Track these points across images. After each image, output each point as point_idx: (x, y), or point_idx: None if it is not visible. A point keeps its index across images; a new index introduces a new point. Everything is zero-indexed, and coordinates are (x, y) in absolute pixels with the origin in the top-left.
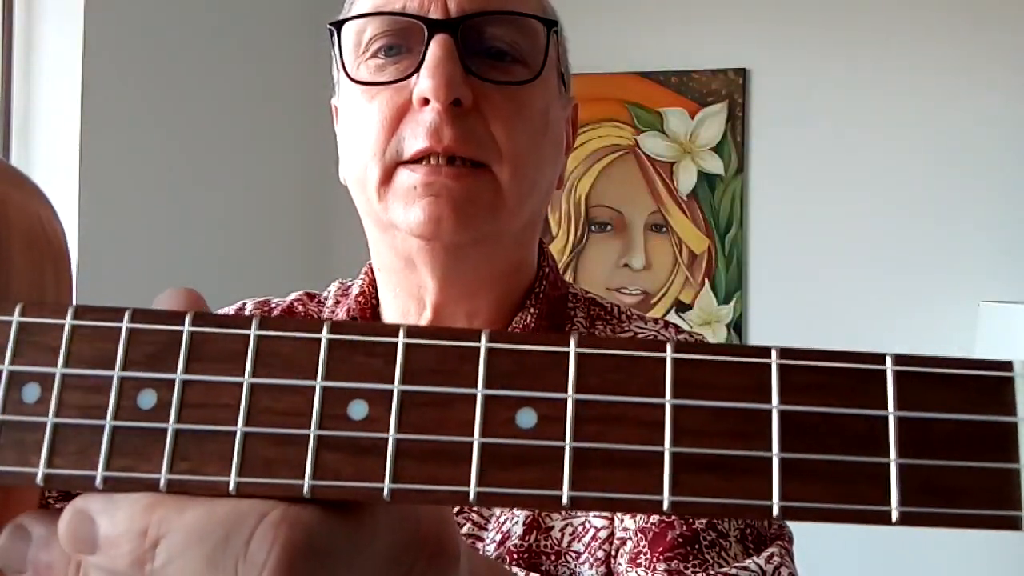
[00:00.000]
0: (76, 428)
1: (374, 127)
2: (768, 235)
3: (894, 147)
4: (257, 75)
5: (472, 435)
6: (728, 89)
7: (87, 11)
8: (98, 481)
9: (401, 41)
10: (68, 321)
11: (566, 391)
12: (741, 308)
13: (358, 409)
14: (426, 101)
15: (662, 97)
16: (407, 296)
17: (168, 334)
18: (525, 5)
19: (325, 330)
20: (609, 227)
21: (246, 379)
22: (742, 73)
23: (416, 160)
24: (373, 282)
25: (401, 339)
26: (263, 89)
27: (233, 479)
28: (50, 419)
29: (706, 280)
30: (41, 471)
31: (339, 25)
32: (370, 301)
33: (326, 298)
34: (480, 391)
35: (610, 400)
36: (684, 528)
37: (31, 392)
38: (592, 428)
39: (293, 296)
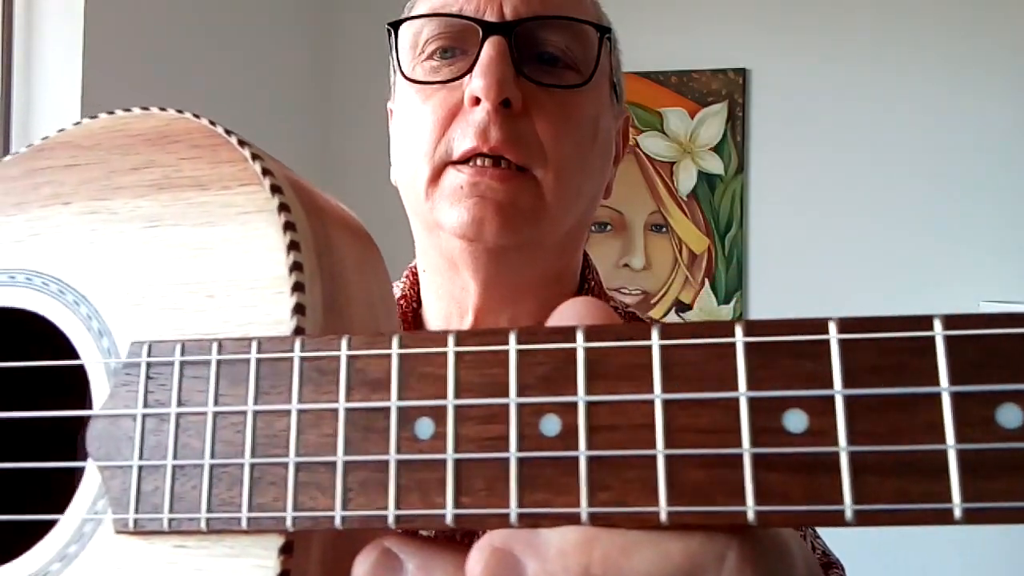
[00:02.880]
0: (479, 463)
1: (426, 127)
2: (768, 235)
3: (894, 147)
4: (258, 76)
5: (944, 441)
6: (728, 89)
7: (87, 11)
8: (513, 518)
9: (457, 44)
10: (451, 348)
11: None
12: (741, 308)
13: (795, 420)
14: (477, 101)
15: (662, 97)
16: (449, 299)
17: (560, 352)
18: (580, 11)
19: (739, 333)
20: (609, 227)
21: (657, 395)
22: (742, 73)
23: (464, 160)
24: (414, 285)
25: (833, 335)
26: (264, 88)
27: (664, 508)
28: (450, 455)
29: (706, 280)
30: (450, 512)
31: (396, 26)
32: (411, 304)
33: None
34: (947, 388)
35: None
36: None
37: (424, 428)
38: None
39: None
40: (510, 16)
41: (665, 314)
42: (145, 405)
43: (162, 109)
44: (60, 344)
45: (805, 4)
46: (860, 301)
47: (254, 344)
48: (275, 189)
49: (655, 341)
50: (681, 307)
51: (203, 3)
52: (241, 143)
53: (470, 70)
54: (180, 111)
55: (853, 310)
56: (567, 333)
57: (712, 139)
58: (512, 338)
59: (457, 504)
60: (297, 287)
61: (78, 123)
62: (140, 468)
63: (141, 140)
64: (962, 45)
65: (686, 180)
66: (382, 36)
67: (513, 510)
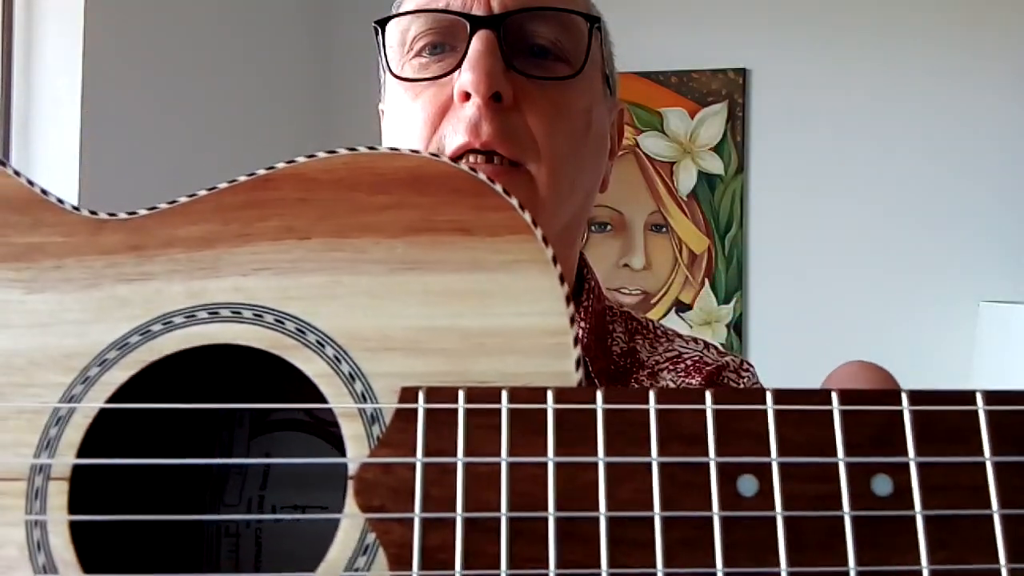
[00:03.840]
0: (811, 521)
1: (417, 125)
2: (768, 235)
3: (894, 147)
4: (257, 76)
5: None
6: (728, 89)
7: (87, 11)
8: None
9: (445, 39)
10: (770, 406)
11: None
12: (741, 308)
13: None
14: (467, 96)
15: (662, 97)
16: None
17: (885, 414)
18: (568, 1)
19: None
20: (609, 227)
21: (988, 458)
22: (742, 73)
23: (456, 158)
24: None
25: None
26: (264, 89)
27: (1005, 566)
28: (779, 512)
29: (706, 280)
30: (785, 570)
31: (383, 23)
32: None
33: None
34: None
35: None
36: None
37: (748, 485)
38: None
39: None
40: (498, 9)
41: (665, 314)
42: (425, 454)
43: (413, 151)
44: (271, 381)
45: (805, 4)
46: (860, 301)
47: (549, 394)
48: (545, 240)
49: (980, 406)
50: (681, 307)
51: (203, 3)
52: (505, 192)
53: (459, 65)
54: (435, 154)
55: (853, 310)
56: (891, 396)
57: (712, 139)
58: (835, 399)
59: (791, 562)
60: (577, 340)
61: (311, 156)
62: (423, 520)
63: (392, 180)
64: (962, 45)
65: (686, 180)
66: None
67: (852, 568)
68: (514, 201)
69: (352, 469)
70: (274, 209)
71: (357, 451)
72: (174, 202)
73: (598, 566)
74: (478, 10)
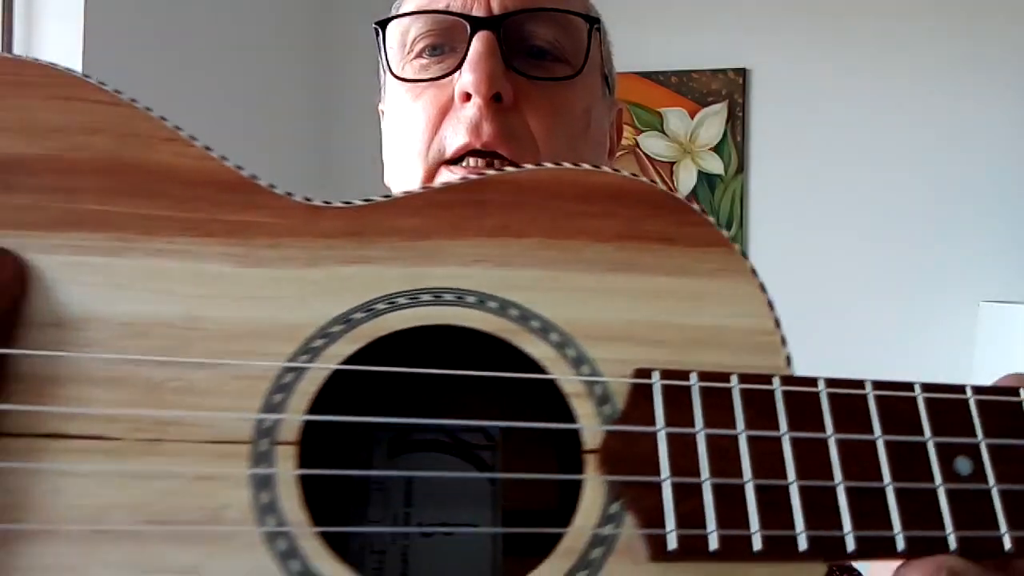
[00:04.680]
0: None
1: (418, 126)
2: (768, 235)
3: (894, 147)
4: (258, 77)
5: None
6: (728, 89)
7: (87, 11)
8: None
9: (445, 40)
10: (971, 397)
11: None
12: None
13: None
14: (468, 96)
15: (662, 97)
16: None
17: None
18: (568, 2)
19: None
20: None
21: None
22: (742, 73)
23: (457, 160)
24: None
25: None
26: (264, 89)
27: None
28: (994, 486)
29: None
30: (1008, 535)
31: (384, 24)
32: None
33: None
34: None
35: None
36: None
37: (963, 465)
38: None
39: None
40: (497, 10)
41: None
42: (667, 425)
43: (615, 170)
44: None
45: (805, 4)
46: (860, 300)
47: (775, 379)
48: (743, 254)
49: None
50: None
51: (203, 3)
52: (702, 210)
53: (459, 66)
54: (634, 174)
55: (854, 309)
56: None
57: (712, 139)
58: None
59: (1012, 526)
60: (783, 341)
61: (519, 168)
62: (673, 485)
63: (596, 192)
64: (963, 45)
65: (686, 180)
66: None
67: None
68: (711, 219)
69: (592, 443)
70: (488, 209)
71: (591, 430)
72: (388, 196)
73: (842, 530)
74: (478, 11)
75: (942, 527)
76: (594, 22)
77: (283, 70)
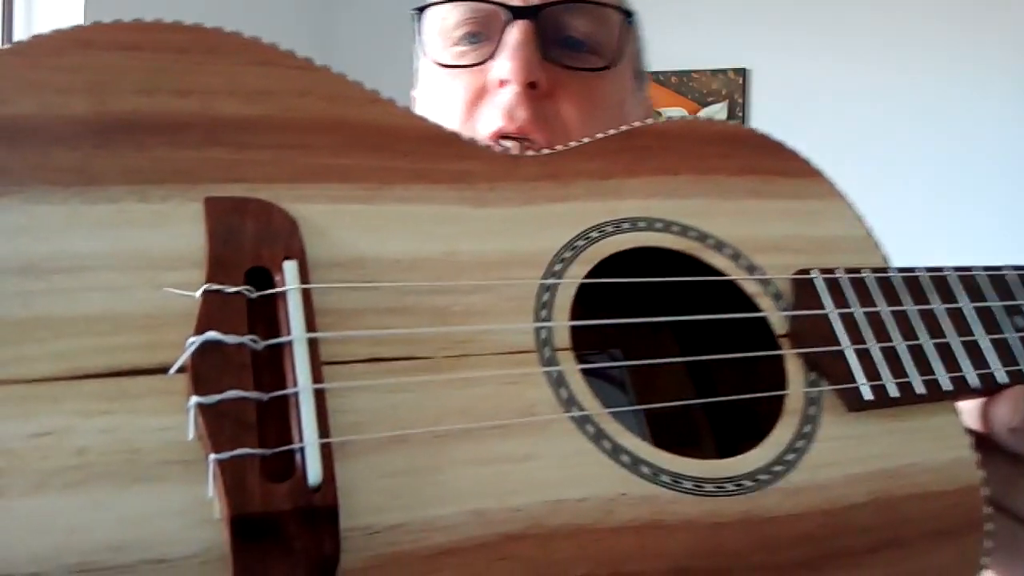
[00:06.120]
0: None
1: (452, 111)
2: None
3: (894, 147)
4: None
5: None
6: (728, 89)
7: (87, 11)
8: None
9: (482, 28)
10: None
11: None
12: None
13: None
14: (503, 83)
15: (662, 97)
16: None
17: None
18: None
19: None
20: None
21: None
22: (742, 73)
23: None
24: None
25: None
26: None
27: None
28: None
29: None
30: None
31: (422, 10)
32: None
33: None
34: None
35: None
36: None
37: (1020, 321)
38: None
39: None
40: (536, 0)
41: None
42: (835, 308)
43: (723, 121)
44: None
45: (805, 4)
46: None
47: (892, 269)
48: (831, 182)
49: None
50: None
51: (202, 3)
52: (793, 149)
53: (495, 54)
54: (738, 123)
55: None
56: None
57: None
58: None
59: None
60: (877, 244)
61: (659, 118)
62: (854, 351)
63: (718, 137)
64: (962, 44)
65: None
66: (380, 32)
67: None
68: (802, 155)
69: (781, 329)
70: (645, 153)
71: (775, 315)
72: (566, 146)
73: (962, 371)
74: (516, 0)
75: (1018, 363)
76: (628, 16)
77: None
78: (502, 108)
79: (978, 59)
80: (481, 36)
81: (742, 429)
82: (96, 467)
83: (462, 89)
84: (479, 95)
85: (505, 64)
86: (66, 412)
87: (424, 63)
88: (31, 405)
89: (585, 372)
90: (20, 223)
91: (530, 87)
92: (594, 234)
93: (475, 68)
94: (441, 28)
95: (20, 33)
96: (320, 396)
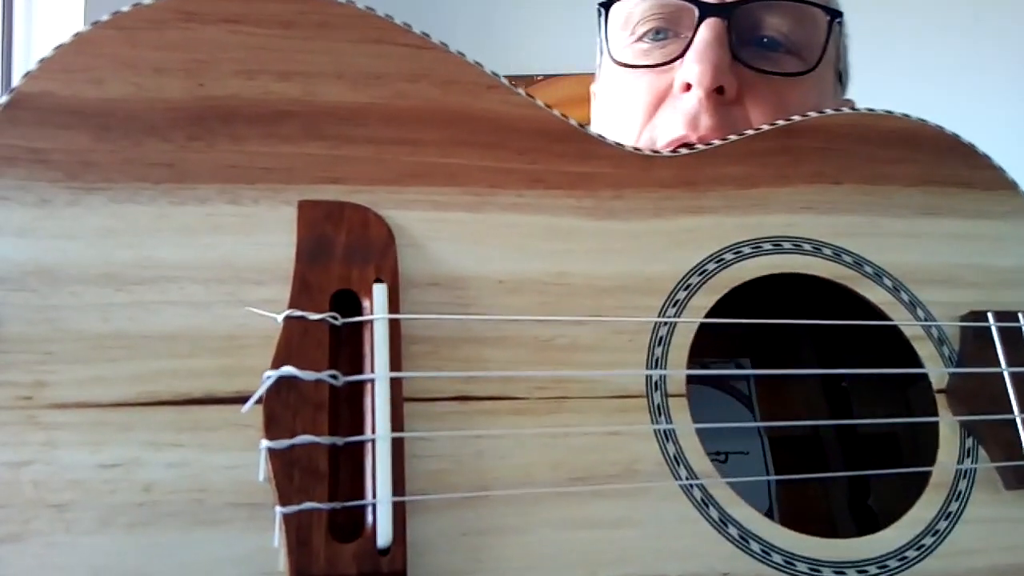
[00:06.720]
0: None
1: (634, 112)
2: None
3: None
4: None
5: None
6: None
7: (87, 11)
8: None
9: (670, 25)
10: None
11: None
12: None
13: None
14: (688, 87)
15: None
16: None
17: None
18: None
19: None
20: None
21: None
22: None
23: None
24: None
25: None
26: None
27: None
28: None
29: None
30: None
31: (608, 6)
32: None
33: None
34: None
35: None
36: None
37: None
38: None
39: None
40: None
41: None
42: (1009, 365)
43: (904, 115)
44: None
45: None
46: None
47: None
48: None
49: None
50: None
51: None
52: (985, 155)
53: (683, 54)
54: (923, 119)
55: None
56: None
57: None
58: None
59: None
60: None
61: (822, 113)
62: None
63: (895, 136)
64: (963, 48)
65: None
66: None
67: None
68: (996, 162)
69: (939, 384)
70: (802, 156)
71: (935, 369)
72: (710, 144)
73: None
74: None
75: None
76: (836, 15)
77: None
78: (685, 115)
79: (978, 59)
80: (668, 33)
81: (879, 456)
82: (161, 506)
83: (644, 90)
84: (661, 97)
85: (692, 67)
86: (136, 443)
87: (605, 59)
88: (102, 433)
89: (709, 383)
90: (106, 225)
91: (717, 92)
92: (728, 256)
93: (659, 68)
94: (625, 24)
95: (20, 33)
96: (398, 446)
